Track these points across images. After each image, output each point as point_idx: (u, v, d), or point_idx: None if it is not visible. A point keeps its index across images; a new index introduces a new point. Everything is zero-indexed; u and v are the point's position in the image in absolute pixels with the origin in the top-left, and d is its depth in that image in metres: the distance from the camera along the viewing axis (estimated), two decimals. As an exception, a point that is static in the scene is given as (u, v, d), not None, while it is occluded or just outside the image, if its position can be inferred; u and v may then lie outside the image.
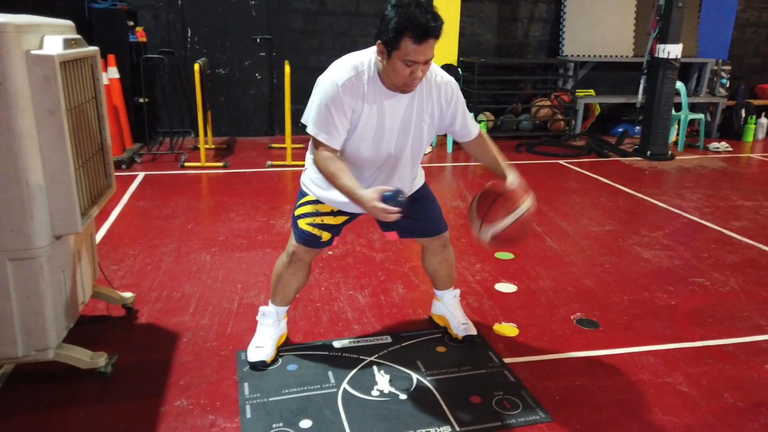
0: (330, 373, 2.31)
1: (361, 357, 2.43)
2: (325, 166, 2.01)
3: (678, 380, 2.32)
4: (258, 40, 6.88)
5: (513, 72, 7.56)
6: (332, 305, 2.88)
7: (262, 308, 2.46)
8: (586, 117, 7.64)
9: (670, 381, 2.32)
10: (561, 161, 6.18)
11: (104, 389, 2.18)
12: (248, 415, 2.06)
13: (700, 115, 6.96)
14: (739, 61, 8.10)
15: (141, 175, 5.22)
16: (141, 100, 6.04)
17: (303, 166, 2.36)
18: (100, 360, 2.21)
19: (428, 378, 2.29)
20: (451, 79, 2.18)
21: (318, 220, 2.25)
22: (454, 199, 4.72)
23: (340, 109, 1.99)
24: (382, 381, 2.26)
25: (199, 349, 2.47)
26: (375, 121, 2.06)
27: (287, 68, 5.63)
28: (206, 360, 2.39)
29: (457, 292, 2.63)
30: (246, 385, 2.23)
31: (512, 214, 2.04)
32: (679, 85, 6.50)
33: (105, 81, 5.44)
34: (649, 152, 6.34)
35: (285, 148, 5.82)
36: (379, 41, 1.93)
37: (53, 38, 2.02)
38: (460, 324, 2.57)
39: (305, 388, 2.21)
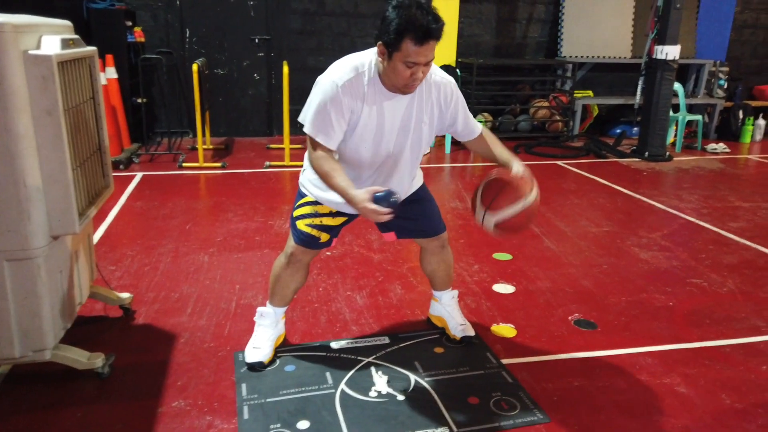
0: (328, 374, 2.30)
1: (358, 358, 2.42)
2: (320, 165, 2.01)
3: (676, 381, 2.32)
4: (256, 40, 6.87)
5: (511, 73, 7.56)
6: (330, 306, 2.88)
7: (260, 309, 2.46)
8: (584, 118, 7.64)
9: (667, 382, 2.32)
10: (559, 162, 6.19)
11: (101, 390, 2.18)
12: (246, 416, 2.05)
13: (698, 117, 6.97)
14: (737, 62, 8.12)
15: (139, 175, 5.22)
16: (139, 101, 6.03)
17: (301, 166, 2.35)
18: (97, 361, 2.20)
19: (426, 379, 2.29)
20: (451, 79, 2.17)
21: (317, 221, 2.25)
22: (452, 200, 4.72)
23: (339, 110, 1.99)
24: (380, 382, 2.26)
25: (196, 349, 2.46)
26: (375, 122, 2.06)
27: (286, 69, 5.63)
28: (204, 361, 2.39)
29: (455, 292, 2.63)
30: (243, 386, 2.22)
31: (519, 203, 2.04)
32: (677, 86, 6.51)
33: (103, 81, 5.43)
34: (647, 153, 6.35)
35: (283, 149, 5.82)
36: (379, 42, 1.93)
37: (51, 38, 2.01)
38: (458, 325, 2.57)
39: (303, 389, 2.21)
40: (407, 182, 2.28)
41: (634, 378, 2.34)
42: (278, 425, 2.01)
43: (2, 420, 2.01)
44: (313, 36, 7.00)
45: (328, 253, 3.50)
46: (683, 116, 6.84)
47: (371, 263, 3.40)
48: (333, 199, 2.16)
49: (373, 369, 2.35)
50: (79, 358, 2.17)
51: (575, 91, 7.37)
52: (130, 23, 6.07)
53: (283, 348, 2.48)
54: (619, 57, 7.53)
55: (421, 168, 2.39)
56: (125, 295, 2.74)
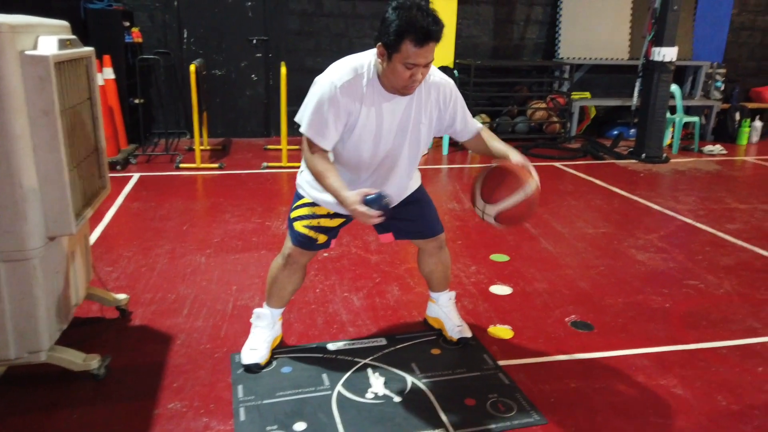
0: (324, 376, 2.30)
1: (355, 359, 2.42)
2: (314, 164, 2.01)
3: (672, 383, 2.33)
4: (254, 41, 6.87)
5: (509, 74, 7.57)
6: (327, 307, 2.87)
7: (256, 310, 2.45)
8: (582, 119, 7.65)
9: (664, 383, 2.32)
10: (556, 164, 6.19)
11: (97, 391, 2.17)
12: (242, 417, 2.05)
13: (695, 118, 6.98)
14: (734, 64, 8.14)
15: (136, 176, 5.21)
16: (136, 101, 6.02)
17: (298, 167, 2.35)
18: (93, 362, 2.20)
19: (423, 380, 2.29)
20: (449, 79, 2.18)
21: (314, 222, 2.25)
22: (449, 201, 4.73)
23: (336, 111, 1.99)
24: (377, 383, 2.26)
25: (193, 351, 2.46)
26: (373, 124, 2.06)
27: (283, 70, 5.63)
28: (200, 362, 2.38)
29: (453, 294, 2.63)
30: (240, 387, 2.22)
31: (520, 191, 2.02)
32: (674, 88, 6.52)
33: (100, 82, 5.42)
34: (644, 155, 6.36)
35: (281, 150, 5.81)
36: (379, 43, 1.93)
37: (48, 38, 2.01)
38: (454, 326, 2.57)
39: (299, 390, 2.21)
40: (405, 183, 2.28)
41: (630, 379, 2.34)
42: (275, 427, 2.00)
43: (-2, 421, 2.00)
44: (310, 37, 7.00)
45: (325, 255, 3.49)
46: (680, 118, 6.85)
47: (368, 264, 3.40)
48: (330, 200, 2.16)
49: (369, 370, 2.34)
50: (75, 359, 2.17)
51: (572, 93, 7.38)
52: (127, 24, 6.06)
53: (279, 349, 2.47)
54: (617, 59, 7.55)
55: (419, 169, 2.39)
56: (122, 296, 2.74)
